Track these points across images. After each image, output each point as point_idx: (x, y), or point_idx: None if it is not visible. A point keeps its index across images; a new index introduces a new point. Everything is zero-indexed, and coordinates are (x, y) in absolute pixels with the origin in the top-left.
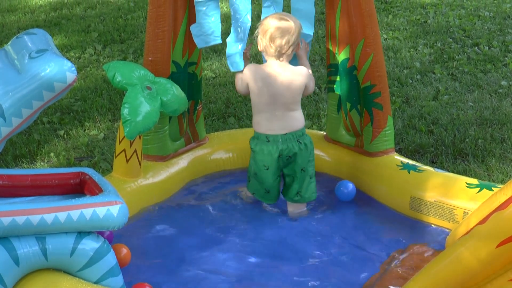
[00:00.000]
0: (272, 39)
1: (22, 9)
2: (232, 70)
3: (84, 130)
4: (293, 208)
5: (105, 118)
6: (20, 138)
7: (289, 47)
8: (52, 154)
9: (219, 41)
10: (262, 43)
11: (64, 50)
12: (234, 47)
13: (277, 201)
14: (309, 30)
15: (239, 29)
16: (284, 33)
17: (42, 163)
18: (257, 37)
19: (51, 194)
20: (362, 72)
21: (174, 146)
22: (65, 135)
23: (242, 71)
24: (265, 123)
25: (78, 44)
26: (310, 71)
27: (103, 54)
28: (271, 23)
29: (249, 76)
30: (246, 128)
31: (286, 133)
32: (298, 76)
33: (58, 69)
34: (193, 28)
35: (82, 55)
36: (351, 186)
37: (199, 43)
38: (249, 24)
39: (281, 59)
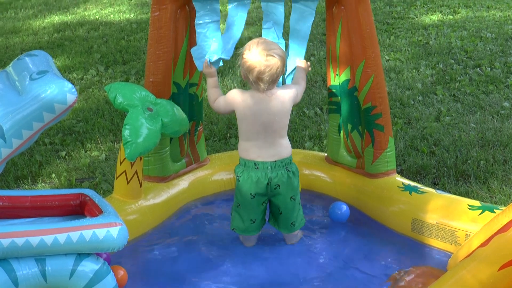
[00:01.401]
0: (260, 78)
1: (26, 31)
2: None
3: (86, 151)
4: (290, 237)
5: (107, 139)
6: (22, 159)
7: (277, 80)
8: (53, 175)
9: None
10: (249, 79)
11: (66, 71)
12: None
13: (260, 231)
14: (302, 50)
15: (229, 41)
16: (272, 70)
17: (43, 184)
18: (238, 66)
19: (51, 215)
20: (363, 93)
21: (175, 167)
22: (66, 156)
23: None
24: (255, 150)
25: (81, 65)
26: (303, 84)
27: (106, 75)
28: (257, 62)
29: (236, 104)
30: None
31: (275, 161)
32: (286, 100)
33: (58, 91)
34: (193, 51)
35: (84, 76)
36: (344, 207)
37: (200, 65)
38: (237, 39)
39: (267, 91)
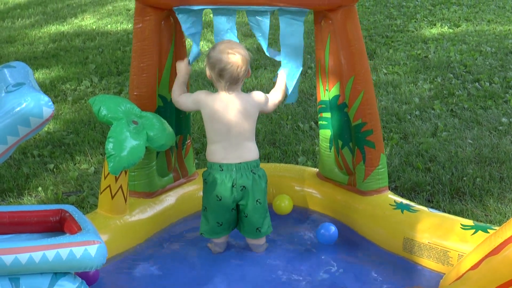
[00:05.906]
0: (221, 75)
1: (21, 40)
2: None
3: (75, 164)
4: (254, 242)
5: (97, 151)
6: (9, 171)
7: (238, 80)
8: (40, 188)
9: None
10: (212, 77)
11: (60, 82)
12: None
13: (229, 234)
14: (298, 66)
15: None
16: (233, 67)
17: (29, 198)
18: (205, 66)
19: (30, 231)
20: (353, 109)
21: (162, 182)
22: (54, 169)
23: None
24: (220, 152)
25: (75, 76)
26: (277, 95)
27: (99, 86)
28: (219, 59)
29: (202, 102)
30: None
31: (240, 162)
32: (251, 103)
33: (34, 104)
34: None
35: (77, 87)
36: (333, 228)
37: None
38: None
39: (230, 91)
